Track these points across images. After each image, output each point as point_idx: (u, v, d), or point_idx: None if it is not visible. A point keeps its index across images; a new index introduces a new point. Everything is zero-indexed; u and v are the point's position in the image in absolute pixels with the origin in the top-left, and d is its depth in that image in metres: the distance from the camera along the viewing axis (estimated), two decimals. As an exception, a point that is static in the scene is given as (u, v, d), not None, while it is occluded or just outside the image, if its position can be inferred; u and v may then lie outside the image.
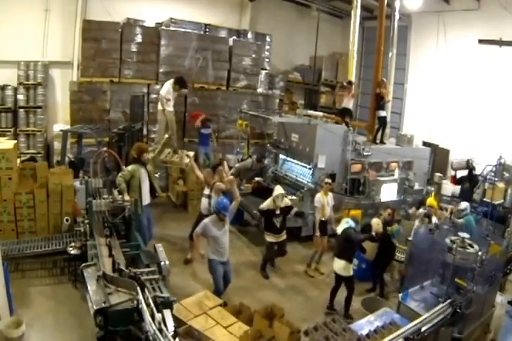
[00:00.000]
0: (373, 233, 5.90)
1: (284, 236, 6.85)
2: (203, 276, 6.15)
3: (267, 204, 6.72)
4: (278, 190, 6.83)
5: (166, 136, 7.89)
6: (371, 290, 6.59)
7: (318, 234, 7.00)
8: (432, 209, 6.92)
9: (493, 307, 4.96)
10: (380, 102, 9.55)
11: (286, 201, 6.90)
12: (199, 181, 7.23)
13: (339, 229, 5.92)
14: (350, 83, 9.88)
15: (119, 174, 5.86)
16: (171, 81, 7.88)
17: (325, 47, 14.17)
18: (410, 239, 6.70)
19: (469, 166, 9.43)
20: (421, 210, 7.22)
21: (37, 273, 6.09)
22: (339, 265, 5.75)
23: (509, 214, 8.43)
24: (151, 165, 6.47)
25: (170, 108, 7.87)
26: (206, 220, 5.55)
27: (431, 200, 7.18)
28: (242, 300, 5.33)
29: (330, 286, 6.44)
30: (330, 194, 7.28)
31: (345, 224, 5.87)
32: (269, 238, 6.76)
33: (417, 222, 6.96)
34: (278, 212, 6.66)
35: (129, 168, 5.97)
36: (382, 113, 9.63)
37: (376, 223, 6.01)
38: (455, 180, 9.93)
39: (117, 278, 3.68)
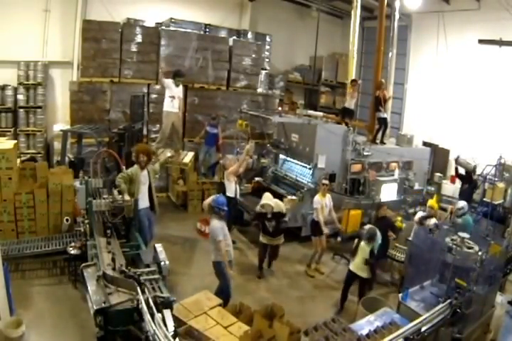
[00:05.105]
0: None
1: (278, 241, 6.80)
2: (204, 276, 6.14)
3: (258, 207, 6.76)
4: (265, 198, 6.83)
5: (169, 154, 7.66)
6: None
7: (326, 231, 7.02)
8: (431, 210, 6.93)
9: (493, 307, 4.95)
10: (379, 104, 9.49)
11: (281, 206, 6.80)
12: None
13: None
14: (353, 81, 9.80)
15: (119, 175, 5.81)
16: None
17: (325, 47, 14.16)
18: (410, 239, 6.71)
19: (474, 168, 9.35)
20: (420, 213, 7.21)
21: (37, 273, 6.09)
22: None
23: (509, 214, 8.43)
24: (152, 171, 6.28)
25: (174, 109, 7.60)
26: (216, 225, 5.37)
27: (432, 202, 7.19)
28: (242, 300, 5.32)
29: (330, 286, 6.48)
30: (328, 195, 7.28)
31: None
32: (262, 238, 6.83)
33: (415, 225, 6.93)
34: (270, 216, 6.61)
35: (129, 170, 5.90)
36: (382, 114, 9.61)
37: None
38: (457, 175, 9.79)
39: (117, 278, 3.68)
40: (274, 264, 7.19)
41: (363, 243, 5.76)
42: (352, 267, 5.90)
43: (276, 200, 6.93)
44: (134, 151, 6.16)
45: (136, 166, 5.99)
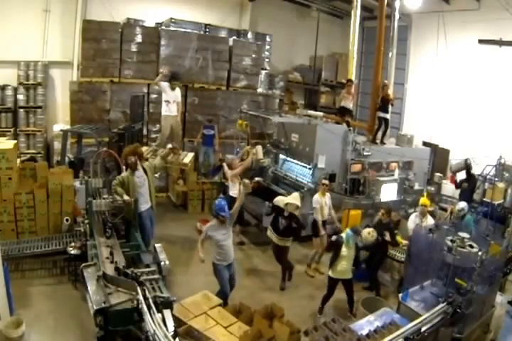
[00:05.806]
0: (361, 243, 5.82)
1: (285, 242, 6.49)
2: (204, 276, 6.14)
3: (281, 200, 6.55)
4: (293, 197, 6.58)
5: (170, 145, 7.36)
6: (368, 288, 6.62)
7: (323, 233, 7.00)
8: (425, 209, 6.95)
9: (493, 307, 4.95)
10: (385, 105, 9.48)
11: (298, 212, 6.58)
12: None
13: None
14: (348, 81, 9.82)
15: (113, 182, 5.79)
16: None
17: (325, 47, 14.16)
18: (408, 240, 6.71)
19: (468, 166, 9.32)
20: (414, 214, 7.22)
21: (37, 273, 6.10)
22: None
23: (509, 214, 8.42)
24: (149, 168, 6.20)
25: (171, 113, 7.54)
26: (209, 224, 5.51)
27: (424, 200, 7.21)
28: (242, 300, 5.32)
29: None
30: (327, 194, 7.27)
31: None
32: (269, 233, 6.60)
33: (411, 225, 6.91)
34: (286, 214, 6.42)
35: (121, 176, 5.87)
36: (385, 115, 9.60)
37: (367, 232, 5.82)
38: (455, 184, 9.75)
39: (117, 278, 3.69)
40: (291, 279, 6.77)
41: (344, 248, 5.60)
42: (335, 274, 5.71)
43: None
44: (122, 157, 6.02)
45: (128, 171, 5.92)
